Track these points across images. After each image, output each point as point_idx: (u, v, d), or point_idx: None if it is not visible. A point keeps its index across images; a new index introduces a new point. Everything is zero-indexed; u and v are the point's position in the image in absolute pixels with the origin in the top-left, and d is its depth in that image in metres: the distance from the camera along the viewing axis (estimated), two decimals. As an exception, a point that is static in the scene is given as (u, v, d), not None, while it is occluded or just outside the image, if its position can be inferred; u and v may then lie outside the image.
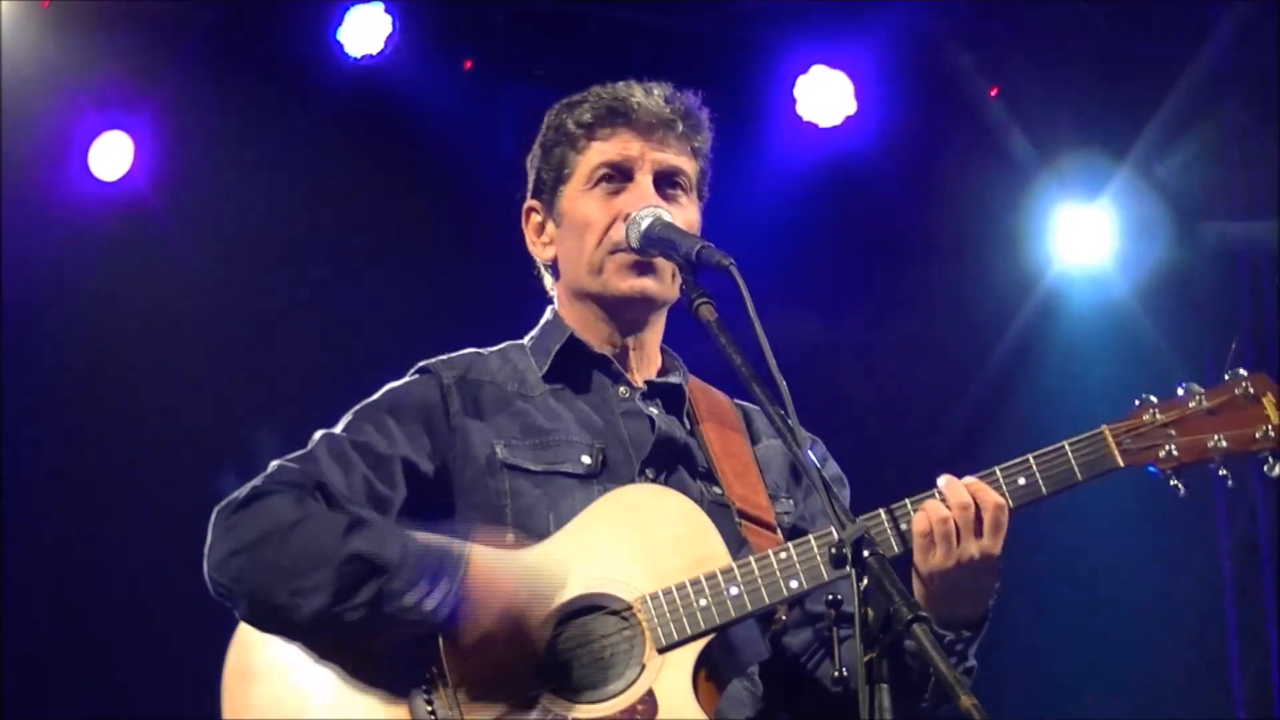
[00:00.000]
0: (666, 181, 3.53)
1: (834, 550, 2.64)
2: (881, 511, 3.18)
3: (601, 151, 3.55)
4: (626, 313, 3.53)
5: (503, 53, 7.61)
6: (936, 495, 3.14)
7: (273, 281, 7.49)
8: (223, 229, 7.37)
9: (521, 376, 3.50)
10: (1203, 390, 3.24)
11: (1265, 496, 7.96)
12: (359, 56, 7.41)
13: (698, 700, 3.08)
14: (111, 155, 7.29)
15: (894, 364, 8.24)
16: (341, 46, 7.42)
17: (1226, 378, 3.24)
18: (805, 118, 7.85)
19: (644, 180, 3.51)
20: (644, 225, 3.34)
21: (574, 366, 3.52)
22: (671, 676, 3.08)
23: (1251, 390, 3.22)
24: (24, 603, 6.97)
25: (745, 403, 3.63)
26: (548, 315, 3.63)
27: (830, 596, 2.69)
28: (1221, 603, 7.98)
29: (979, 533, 3.10)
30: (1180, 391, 3.25)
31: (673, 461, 3.42)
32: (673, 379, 3.56)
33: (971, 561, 3.10)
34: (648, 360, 3.58)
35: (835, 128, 7.88)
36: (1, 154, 7.00)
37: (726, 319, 3.05)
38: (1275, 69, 7.77)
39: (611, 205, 3.50)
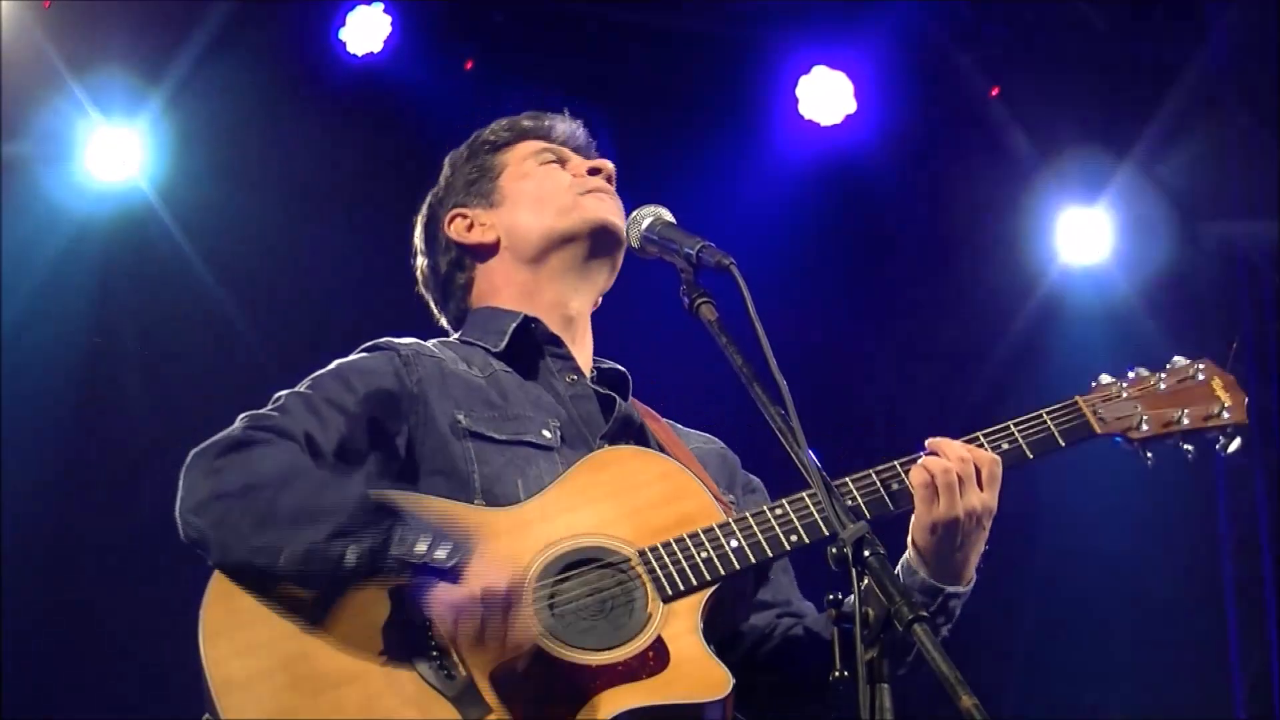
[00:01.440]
0: (601, 175, 3.62)
1: (834, 550, 2.63)
2: (872, 472, 3.23)
3: (532, 146, 3.65)
4: (595, 250, 3.53)
5: (503, 53, 7.62)
6: (928, 453, 3.23)
7: (273, 280, 7.48)
8: (223, 228, 7.36)
9: (468, 359, 3.46)
10: (1158, 373, 3.46)
11: (1266, 496, 7.97)
12: (360, 55, 7.42)
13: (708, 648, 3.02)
14: (112, 155, 7.28)
15: (894, 364, 8.24)
16: (344, 45, 7.43)
17: (1169, 366, 3.47)
18: (806, 117, 7.86)
19: (579, 161, 3.62)
20: (644, 225, 3.27)
21: (522, 352, 3.48)
22: (679, 626, 3.02)
23: (1201, 375, 3.45)
24: (24, 603, 6.96)
25: (676, 423, 3.62)
26: (478, 311, 3.61)
27: (831, 596, 2.68)
28: (1222, 602, 7.98)
29: (979, 484, 3.19)
30: (1131, 374, 3.47)
31: (629, 439, 3.40)
32: (617, 366, 3.56)
33: (973, 513, 3.17)
34: (585, 354, 3.56)
35: (836, 126, 7.89)
36: (1, 154, 7.01)
37: (727, 319, 3.04)
38: (1275, 69, 7.78)
39: (560, 170, 3.61)
